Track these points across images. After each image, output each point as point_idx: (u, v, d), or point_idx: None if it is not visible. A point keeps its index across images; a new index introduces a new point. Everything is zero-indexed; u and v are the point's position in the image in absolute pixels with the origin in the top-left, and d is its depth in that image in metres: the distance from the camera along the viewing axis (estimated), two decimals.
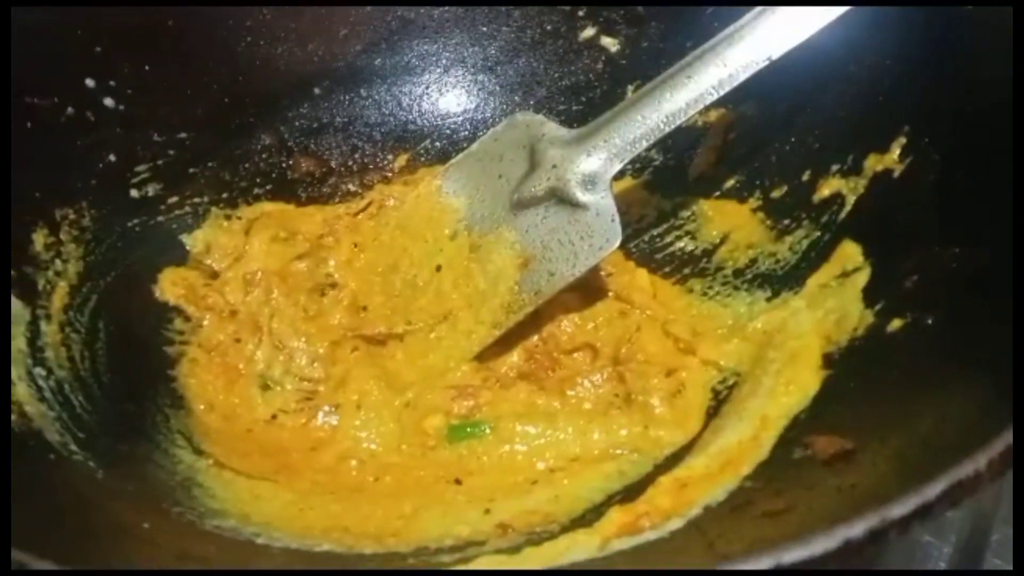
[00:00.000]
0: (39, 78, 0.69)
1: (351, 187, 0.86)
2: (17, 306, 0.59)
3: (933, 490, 0.30)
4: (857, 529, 0.29)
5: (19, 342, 0.57)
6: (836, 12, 0.63)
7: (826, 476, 0.44)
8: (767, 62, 0.65)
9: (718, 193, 0.78)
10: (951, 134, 0.62)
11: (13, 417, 0.50)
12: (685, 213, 0.79)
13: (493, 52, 0.90)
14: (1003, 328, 0.45)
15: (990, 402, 0.41)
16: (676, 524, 0.46)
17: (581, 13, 0.88)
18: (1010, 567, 0.58)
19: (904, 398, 0.47)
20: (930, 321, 0.52)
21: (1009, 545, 0.62)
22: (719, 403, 0.60)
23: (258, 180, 0.82)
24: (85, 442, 0.52)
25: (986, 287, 0.51)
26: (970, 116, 0.60)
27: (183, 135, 0.79)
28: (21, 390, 0.53)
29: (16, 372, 0.54)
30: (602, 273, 0.72)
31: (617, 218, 0.65)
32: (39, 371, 0.56)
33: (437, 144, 0.89)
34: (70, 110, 0.71)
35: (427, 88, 0.90)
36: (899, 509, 0.29)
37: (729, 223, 0.75)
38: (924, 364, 0.49)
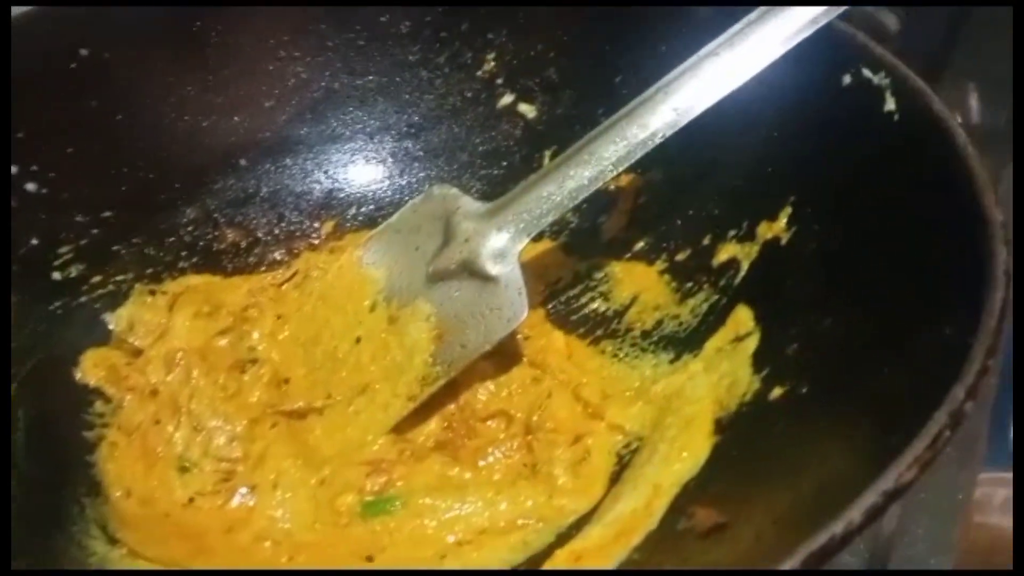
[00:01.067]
0: None
1: (277, 256, 0.88)
2: None
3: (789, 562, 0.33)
4: None
5: None
6: (722, 92, 0.67)
7: (702, 550, 0.47)
8: (662, 139, 0.69)
9: (629, 255, 0.82)
10: (830, 205, 0.66)
11: None
12: (599, 274, 0.82)
13: (416, 119, 0.93)
14: (862, 402, 0.49)
15: (842, 478, 0.44)
16: None
17: (499, 81, 0.92)
18: None
19: (770, 471, 0.50)
20: (804, 390, 0.56)
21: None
22: (621, 469, 0.63)
23: (183, 254, 0.84)
24: None
25: (855, 359, 0.54)
26: (848, 188, 0.65)
27: (107, 213, 0.80)
28: None
29: None
30: (519, 336, 0.75)
31: (524, 291, 0.68)
32: None
33: (363, 210, 0.92)
34: None
35: (352, 155, 0.93)
36: None
37: (638, 285, 0.78)
38: (792, 436, 0.53)
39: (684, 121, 0.68)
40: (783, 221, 0.70)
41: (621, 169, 0.69)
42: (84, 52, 0.79)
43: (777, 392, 0.58)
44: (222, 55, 0.87)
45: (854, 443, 0.48)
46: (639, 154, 0.69)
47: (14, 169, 0.75)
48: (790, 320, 0.63)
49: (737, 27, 0.66)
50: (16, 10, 0.76)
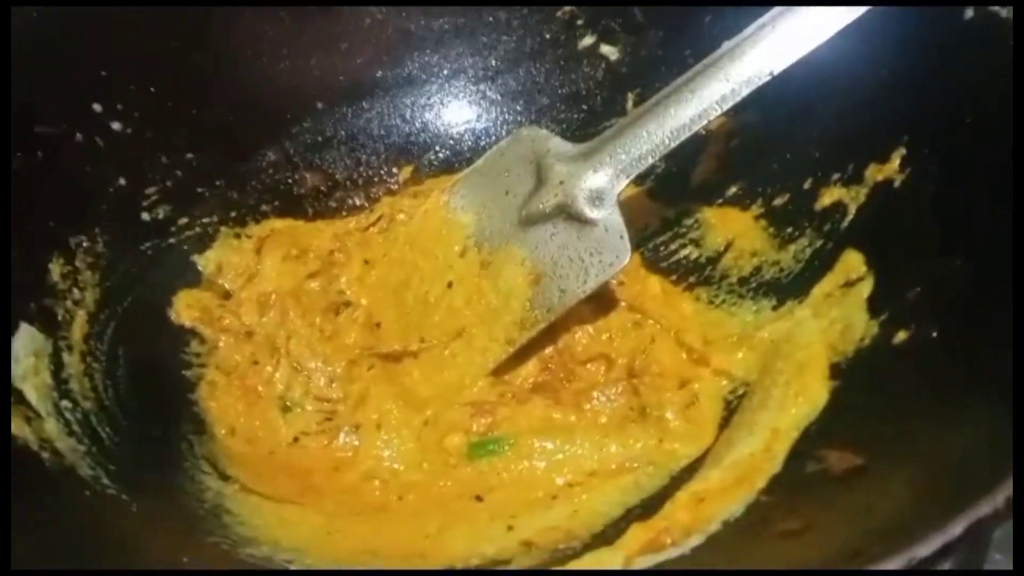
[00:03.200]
0: (47, 106, 0.69)
1: (357, 200, 0.87)
2: (39, 338, 0.60)
3: (955, 528, 0.31)
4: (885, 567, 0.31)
5: (44, 376, 0.57)
6: (838, 26, 0.64)
7: (840, 493, 0.46)
8: (769, 77, 0.66)
9: (721, 200, 0.79)
10: (949, 146, 0.63)
11: (45, 455, 0.51)
12: (688, 221, 0.80)
13: (493, 62, 0.91)
14: (1005, 349, 0.47)
15: (999, 427, 0.42)
16: (696, 540, 0.48)
17: (580, 22, 0.89)
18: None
19: (913, 414, 0.49)
20: (935, 334, 0.54)
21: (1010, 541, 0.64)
22: (730, 414, 0.62)
23: (265, 197, 0.83)
24: (116, 475, 0.53)
25: (987, 302, 0.52)
26: (968, 128, 0.62)
27: (190, 155, 0.79)
28: (50, 426, 0.54)
29: (43, 407, 0.55)
30: (613, 282, 0.74)
31: (626, 235, 0.66)
32: (65, 404, 0.57)
33: (441, 155, 0.90)
34: (79, 136, 0.71)
35: (429, 99, 0.91)
36: (923, 549, 0.31)
37: (732, 231, 0.76)
38: (931, 379, 0.51)
39: (795, 57, 0.65)
40: (896, 163, 0.67)
41: (726, 108, 0.67)
42: None
43: (902, 336, 0.56)
44: None
45: (1000, 389, 0.46)
46: (745, 92, 0.66)
47: (98, 108, 0.74)
48: (908, 264, 0.61)
49: None
50: None
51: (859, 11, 0.64)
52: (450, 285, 0.73)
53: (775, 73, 0.66)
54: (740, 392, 0.64)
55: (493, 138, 0.90)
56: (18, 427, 0.51)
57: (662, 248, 0.80)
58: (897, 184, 0.66)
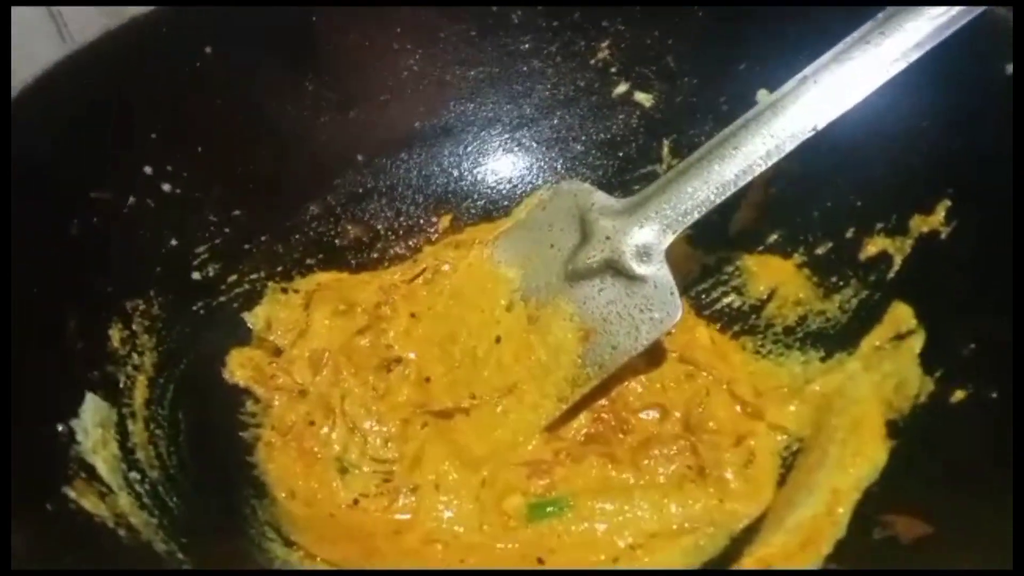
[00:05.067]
0: (101, 170, 0.71)
1: (399, 250, 0.88)
2: (103, 408, 0.61)
3: None
4: None
5: (111, 447, 0.58)
6: (881, 80, 0.65)
7: (913, 562, 0.46)
8: (813, 132, 0.67)
9: (761, 248, 0.80)
10: (996, 199, 0.64)
11: (122, 532, 0.51)
12: (729, 268, 0.81)
13: (528, 110, 0.92)
14: None
15: None
16: None
17: (613, 70, 0.90)
18: None
19: (979, 479, 0.49)
20: (995, 395, 0.54)
21: None
22: (786, 471, 0.62)
23: (310, 250, 0.84)
24: (188, 547, 0.54)
25: None
26: (1014, 182, 0.62)
27: (237, 212, 0.80)
28: (123, 500, 0.54)
29: (115, 481, 0.55)
30: None
31: (676, 291, 0.66)
32: (134, 475, 0.58)
33: (479, 203, 0.91)
34: (132, 199, 0.73)
35: (466, 148, 0.92)
36: None
37: (775, 279, 0.77)
38: (995, 443, 0.51)
39: (839, 112, 0.66)
40: (940, 215, 0.67)
41: (771, 163, 0.67)
42: (208, 50, 0.79)
43: (959, 395, 0.56)
44: (336, 50, 0.86)
45: None
46: (789, 148, 0.67)
47: (149, 170, 0.75)
48: (960, 318, 0.61)
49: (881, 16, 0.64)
50: (141, 10, 0.76)
51: (902, 64, 0.65)
52: (498, 340, 0.73)
53: (819, 128, 0.67)
54: (795, 448, 0.64)
55: (529, 185, 0.92)
56: (93, 504, 0.52)
57: (704, 296, 0.81)
58: (943, 236, 0.67)
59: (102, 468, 0.55)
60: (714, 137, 0.70)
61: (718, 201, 0.68)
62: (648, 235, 0.69)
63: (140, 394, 0.65)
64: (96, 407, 0.60)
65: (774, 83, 0.68)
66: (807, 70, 0.67)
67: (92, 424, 0.58)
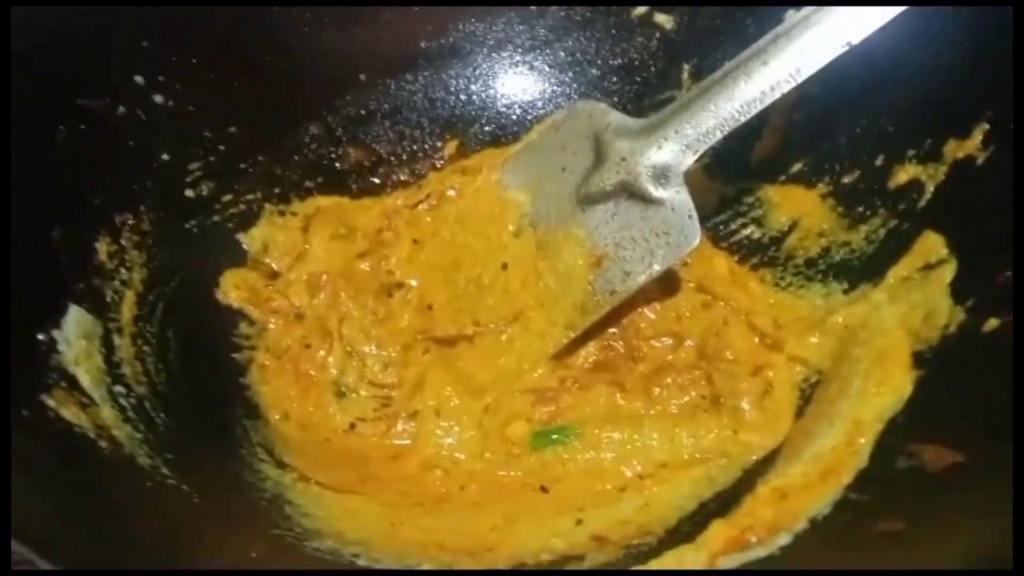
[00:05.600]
0: (89, 78, 0.67)
1: (402, 176, 0.84)
2: (88, 320, 0.58)
3: None
4: None
5: (95, 360, 0.56)
6: None
7: (941, 492, 0.43)
8: (847, 47, 0.62)
9: (784, 178, 0.76)
10: None
11: (103, 444, 0.49)
12: (749, 199, 0.77)
13: (542, 31, 0.87)
14: None
15: None
16: (784, 539, 0.45)
17: None
18: None
19: (1010, 408, 0.46)
20: None
21: None
22: (804, 403, 0.59)
23: (309, 173, 0.81)
24: (175, 464, 0.52)
25: None
26: None
27: (232, 129, 0.77)
28: (106, 412, 0.52)
29: (98, 393, 0.53)
30: (678, 262, 0.70)
31: (695, 214, 0.63)
32: (119, 389, 0.55)
33: (487, 129, 0.87)
34: (122, 109, 0.69)
35: (475, 70, 0.87)
36: None
37: (797, 210, 0.73)
38: None
39: (874, 27, 0.61)
40: (978, 139, 0.63)
41: (800, 80, 0.63)
42: None
43: (993, 324, 0.53)
44: None
45: None
46: (821, 63, 0.63)
47: (140, 80, 0.71)
48: (994, 246, 0.58)
49: None
50: None
51: None
52: (505, 267, 0.70)
53: (854, 43, 0.62)
54: (814, 380, 0.61)
55: (541, 111, 0.87)
56: (74, 414, 0.50)
57: (722, 227, 0.77)
58: (980, 162, 0.63)
59: (84, 379, 0.53)
60: (740, 54, 0.65)
61: (742, 119, 0.65)
62: (667, 156, 0.65)
63: (128, 310, 0.62)
64: (80, 319, 0.57)
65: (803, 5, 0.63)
66: None
67: (75, 336, 0.55)
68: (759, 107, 0.64)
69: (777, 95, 0.63)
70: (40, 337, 0.53)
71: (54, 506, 0.44)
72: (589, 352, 0.65)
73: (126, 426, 0.53)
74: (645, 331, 0.65)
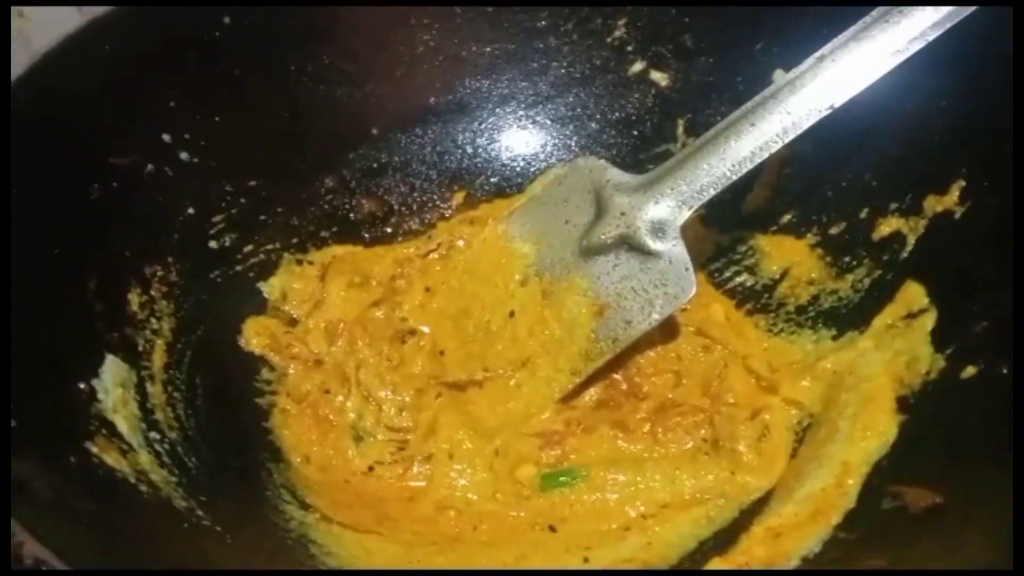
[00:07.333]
0: (120, 138, 0.71)
1: (413, 225, 0.88)
2: (123, 369, 0.61)
3: None
4: None
5: (131, 407, 0.59)
6: (899, 59, 0.65)
7: (921, 532, 0.47)
8: (830, 110, 0.67)
9: (774, 228, 0.80)
10: (1010, 178, 0.64)
11: (143, 488, 0.52)
12: (742, 248, 0.81)
13: (543, 88, 0.92)
14: None
15: None
16: None
17: (630, 48, 0.90)
18: None
19: (988, 452, 0.49)
20: (1005, 371, 0.55)
21: None
22: (797, 445, 0.63)
23: (324, 223, 0.85)
24: (208, 506, 0.55)
25: None
26: None
27: (252, 183, 0.81)
28: (143, 457, 0.55)
29: (135, 440, 0.56)
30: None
31: (691, 267, 0.67)
32: (154, 435, 0.59)
33: (493, 180, 0.91)
34: (150, 167, 0.73)
35: (480, 125, 0.92)
36: None
37: (788, 259, 0.77)
38: (1005, 416, 0.52)
39: (856, 90, 0.66)
40: (955, 195, 0.67)
41: (787, 140, 0.68)
42: (226, 20, 0.79)
43: (971, 371, 0.57)
44: (353, 23, 0.86)
45: None
46: (806, 125, 0.67)
47: (167, 138, 0.75)
48: (973, 297, 0.62)
49: None
50: None
51: (920, 44, 0.65)
52: (512, 314, 0.74)
53: (836, 106, 0.67)
54: (806, 423, 0.64)
55: (543, 163, 0.92)
56: (115, 460, 0.53)
57: (716, 274, 0.81)
58: (957, 216, 0.67)
59: (122, 426, 0.56)
60: (731, 114, 0.70)
61: (734, 178, 0.69)
62: (663, 211, 0.69)
63: (159, 357, 0.66)
64: (116, 368, 0.61)
65: (791, 64, 0.68)
66: (824, 49, 0.68)
67: (112, 384, 0.59)
68: (750, 166, 0.68)
69: (766, 155, 0.68)
70: (81, 386, 0.56)
71: (97, 547, 0.47)
72: (592, 390, 0.68)
73: (162, 471, 0.56)
74: (646, 368, 0.69)
